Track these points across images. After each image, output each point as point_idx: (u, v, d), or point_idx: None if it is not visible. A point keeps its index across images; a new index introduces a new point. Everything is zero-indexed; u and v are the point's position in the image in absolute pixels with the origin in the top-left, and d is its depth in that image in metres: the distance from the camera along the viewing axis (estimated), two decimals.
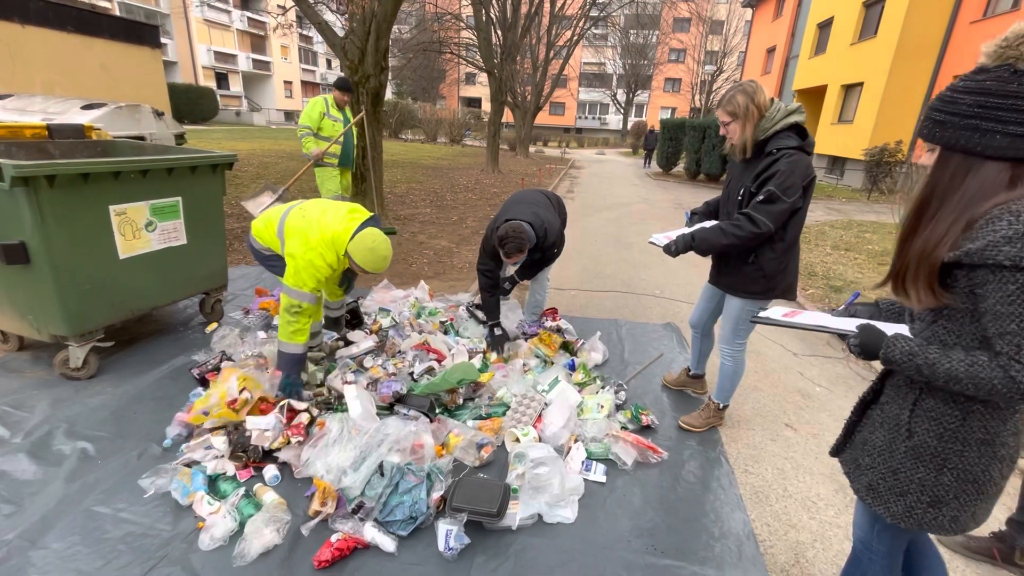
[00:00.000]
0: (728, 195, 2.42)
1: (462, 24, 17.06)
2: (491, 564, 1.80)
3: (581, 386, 2.87)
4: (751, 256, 2.30)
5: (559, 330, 3.50)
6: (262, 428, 2.21)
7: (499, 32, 14.94)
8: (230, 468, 2.11)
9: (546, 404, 2.62)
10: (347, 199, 3.37)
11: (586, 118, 46.19)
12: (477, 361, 3.01)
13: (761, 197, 2.14)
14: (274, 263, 2.72)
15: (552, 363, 3.12)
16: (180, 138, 7.32)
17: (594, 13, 18.86)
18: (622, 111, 40.65)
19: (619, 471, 2.32)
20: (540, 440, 2.38)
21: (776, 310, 1.49)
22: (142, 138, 6.12)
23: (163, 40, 24.84)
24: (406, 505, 1.90)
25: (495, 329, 3.23)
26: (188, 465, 2.11)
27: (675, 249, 2.41)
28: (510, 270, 3.36)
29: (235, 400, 2.26)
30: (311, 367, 2.83)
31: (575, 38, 18.68)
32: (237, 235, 5.55)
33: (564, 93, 38.59)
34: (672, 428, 2.69)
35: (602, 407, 2.60)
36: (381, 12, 5.84)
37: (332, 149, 5.21)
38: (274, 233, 2.62)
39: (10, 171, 2.25)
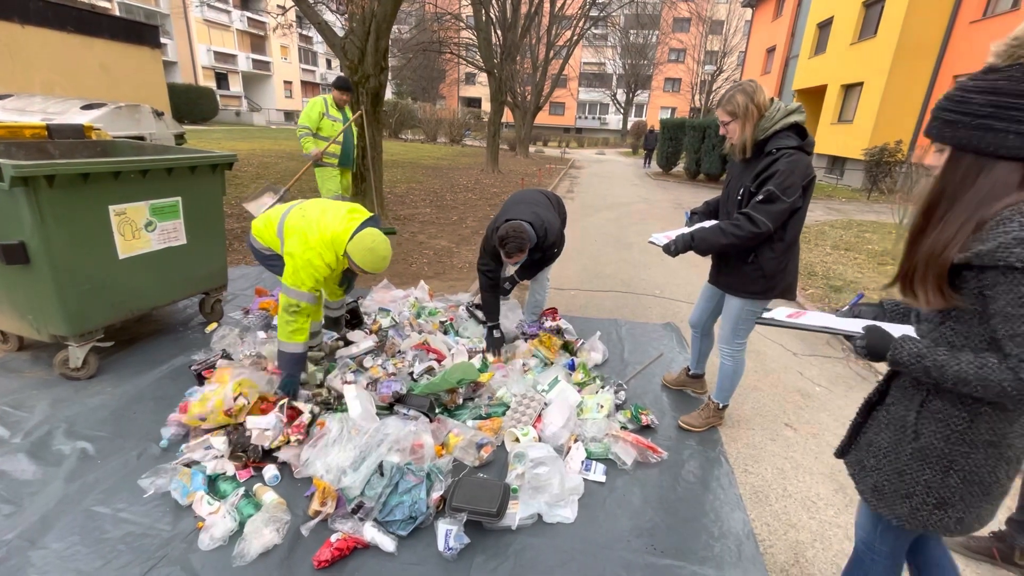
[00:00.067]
0: (728, 195, 2.42)
1: (462, 24, 17.05)
2: (491, 564, 1.80)
3: (581, 386, 2.87)
4: (751, 256, 2.30)
5: (559, 331, 3.50)
6: (262, 428, 2.22)
7: (499, 32, 14.94)
8: (230, 468, 2.11)
9: (546, 404, 2.62)
10: (347, 199, 3.37)
11: (586, 118, 46.16)
12: (477, 361, 3.01)
13: (761, 197, 2.14)
14: (274, 263, 2.72)
15: (552, 363, 3.12)
16: (180, 138, 7.33)
17: (594, 13, 18.86)
18: (622, 111, 40.63)
19: (619, 471, 2.32)
20: (540, 440, 2.39)
21: (780, 311, 1.48)
22: (142, 138, 6.13)
23: (163, 40, 24.88)
24: (406, 505, 1.90)
25: (494, 331, 3.23)
26: (188, 465, 2.11)
27: (675, 249, 2.41)
28: (510, 270, 3.36)
29: (230, 409, 2.25)
30: (311, 367, 2.83)
31: (575, 38, 18.68)
32: (237, 235, 5.55)
33: (564, 93, 38.57)
34: (672, 428, 2.69)
35: (602, 407, 2.60)
36: (381, 12, 5.84)
37: (332, 149, 5.20)
38: (274, 233, 2.62)
39: (10, 171, 2.25)
